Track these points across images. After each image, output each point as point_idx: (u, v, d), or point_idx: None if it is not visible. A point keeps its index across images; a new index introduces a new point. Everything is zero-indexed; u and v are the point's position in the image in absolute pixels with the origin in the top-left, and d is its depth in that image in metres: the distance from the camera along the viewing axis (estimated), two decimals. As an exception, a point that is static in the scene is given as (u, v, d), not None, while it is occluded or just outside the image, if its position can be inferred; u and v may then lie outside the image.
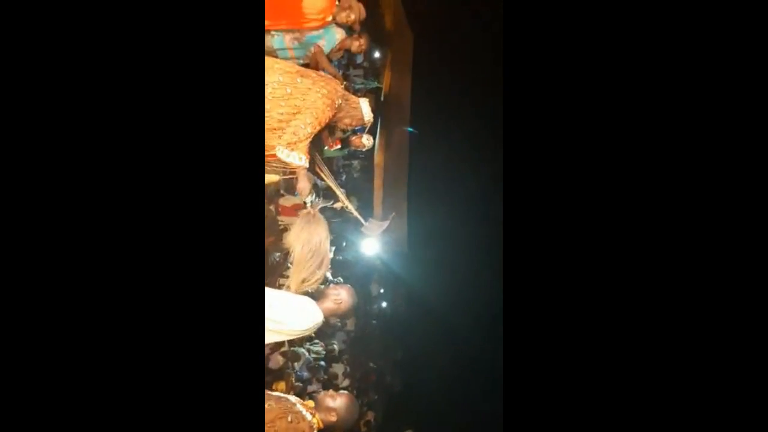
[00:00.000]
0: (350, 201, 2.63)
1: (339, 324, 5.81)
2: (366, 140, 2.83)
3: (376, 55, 6.18)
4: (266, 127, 1.91)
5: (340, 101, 2.06)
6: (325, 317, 1.65)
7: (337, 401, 1.49)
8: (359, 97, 2.27)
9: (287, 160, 1.94)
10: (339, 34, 2.76)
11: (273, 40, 2.72)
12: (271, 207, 4.00)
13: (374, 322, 7.47)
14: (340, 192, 2.38)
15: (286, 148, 1.92)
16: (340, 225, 5.42)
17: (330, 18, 2.60)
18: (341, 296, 1.67)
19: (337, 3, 2.56)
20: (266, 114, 1.89)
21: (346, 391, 1.66)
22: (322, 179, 2.41)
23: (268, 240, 4.12)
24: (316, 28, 2.68)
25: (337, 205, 2.43)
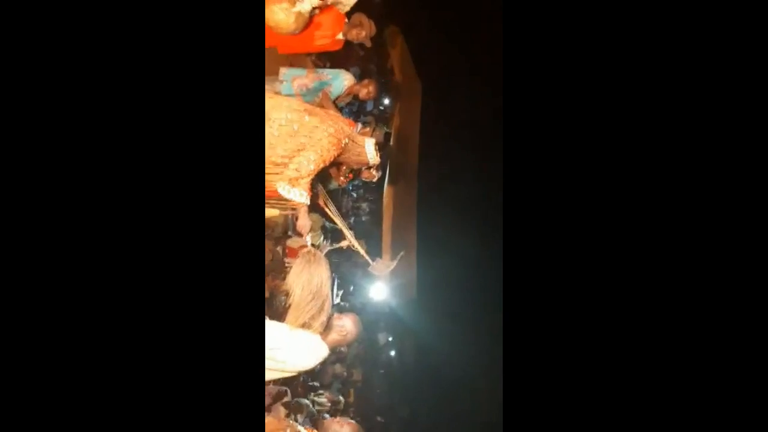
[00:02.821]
0: (359, 244, 2.58)
1: (345, 374, 5.59)
2: (375, 171, 2.82)
3: (386, 102, 6.35)
4: (269, 161, 1.88)
5: (346, 140, 2.04)
6: (330, 349, 1.55)
7: (344, 428, 1.42)
8: (367, 136, 2.26)
9: (288, 196, 1.89)
10: (347, 80, 2.80)
11: (281, 87, 2.77)
12: (278, 248, 3.95)
13: (381, 371, 7.20)
14: (347, 230, 2.32)
15: (288, 184, 1.88)
16: (347, 269, 5.35)
17: (341, 35, 2.62)
18: (346, 327, 1.58)
19: (346, 21, 2.58)
20: (271, 150, 1.87)
21: (353, 421, 1.56)
22: (329, 218, 2.37)
23: (274, 282, 4.05)
24: (327, 48, 2.71)
25: (344, 244, 2.37)
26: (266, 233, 4.04)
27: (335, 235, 4.53)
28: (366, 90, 2.88)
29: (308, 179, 1.92)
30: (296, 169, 1.88)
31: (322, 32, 2.59)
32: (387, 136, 5.88)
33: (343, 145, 2.01)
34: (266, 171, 1.88)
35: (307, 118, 1.98)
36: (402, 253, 2.56)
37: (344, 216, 5.30)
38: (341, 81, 2.80)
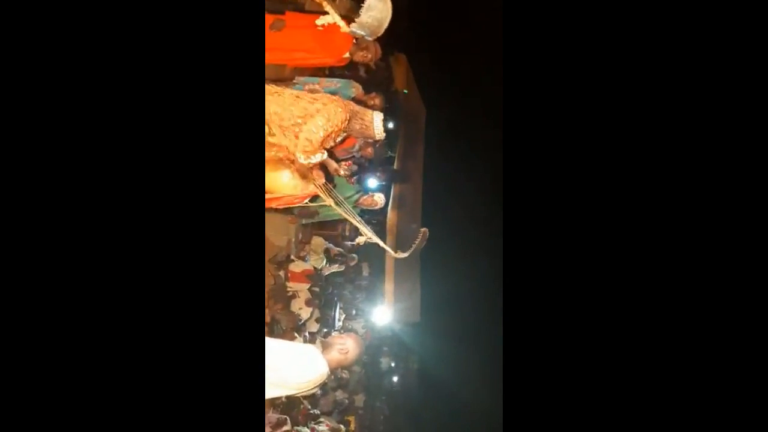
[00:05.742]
0: (361, 266, 2.54)
1: (346, 401, 5.49)
2: (378, 198, 2.79)
3: (390, 126, 6.41)
4: (281, 126, 1.99)
5: (353, 108, 2.07)
6: (331, 369, 1.52)
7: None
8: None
9: (310, 161, 2.02)
10: (355, 90, 2.82)
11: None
12: (281, 273, 3.94)
13: (384, 398, 7.06)
14: (362, 225, 2.26)
15: (303, 155, 2.00)
16: (351, 292, 5.31)
17: (347, 55, 2.65)
18: (347, 345, 1.54)
19: (354, 42, 2.62)
20: (285, 112, 1.99)
21: None
22: (342, 215, 2.32)
23: (277, 307, 4.02)
24: (333, 64, 2.73)
25: (360, 240, 2.33)
26: (270, 258, 4.04)
27: (337, 258, 4.52)
28: (372, 102, 2.87)
29: (321, 148, 2.01)
30: (307, 139, 1.97)
31: (331, 49, 2.63)
32: (391, 159, 5.91)
33: (350, 111, 2.02)
34: (279, 141, 2.01)
35: (309, 98, 2.04)
36: (424, 229, 2.44)
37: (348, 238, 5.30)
38: (349, 90, 2.81)
